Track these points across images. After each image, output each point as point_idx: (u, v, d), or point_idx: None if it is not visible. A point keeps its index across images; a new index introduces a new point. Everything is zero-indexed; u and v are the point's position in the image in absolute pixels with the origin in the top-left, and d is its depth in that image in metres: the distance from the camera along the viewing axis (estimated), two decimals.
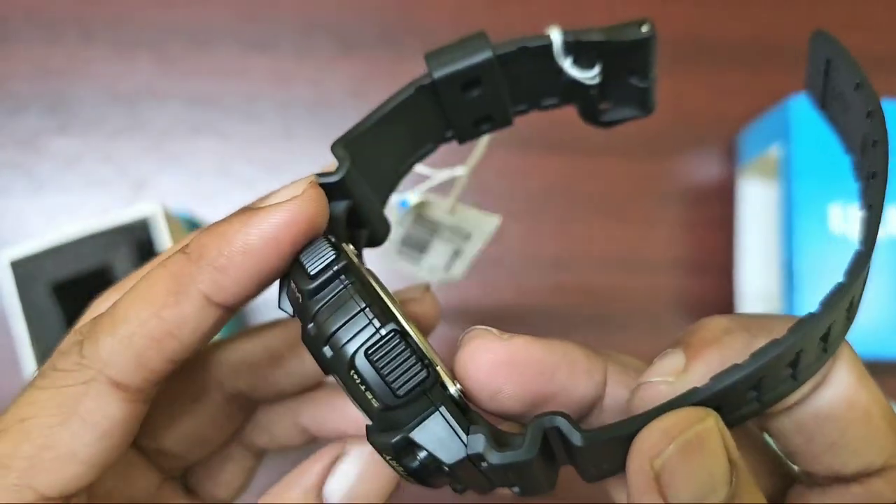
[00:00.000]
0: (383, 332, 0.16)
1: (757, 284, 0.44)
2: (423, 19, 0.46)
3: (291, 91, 0.45)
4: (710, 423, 0.15)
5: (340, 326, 0.16)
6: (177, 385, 0.22)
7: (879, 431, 0.17)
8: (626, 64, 0.21)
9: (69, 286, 0.36)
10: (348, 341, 0.16)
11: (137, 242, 0.36)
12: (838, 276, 0.43)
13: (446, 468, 0.16)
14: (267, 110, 0.45)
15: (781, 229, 0.41)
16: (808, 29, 0.49)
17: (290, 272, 0.18)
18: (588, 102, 0.23)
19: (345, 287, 0.17)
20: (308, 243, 0.18)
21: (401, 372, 0.16)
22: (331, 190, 0.18)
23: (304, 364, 0.23)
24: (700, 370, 0.17)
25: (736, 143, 0.46)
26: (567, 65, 0.21)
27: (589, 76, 0.21)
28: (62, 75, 0.44)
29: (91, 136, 0.44)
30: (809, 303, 0.39)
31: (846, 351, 0.18)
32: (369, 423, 0.17)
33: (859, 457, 0.17)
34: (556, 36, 0.21)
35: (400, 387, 0.16)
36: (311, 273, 0.17)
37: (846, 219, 0.39)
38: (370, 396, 0.16)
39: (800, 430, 0.18)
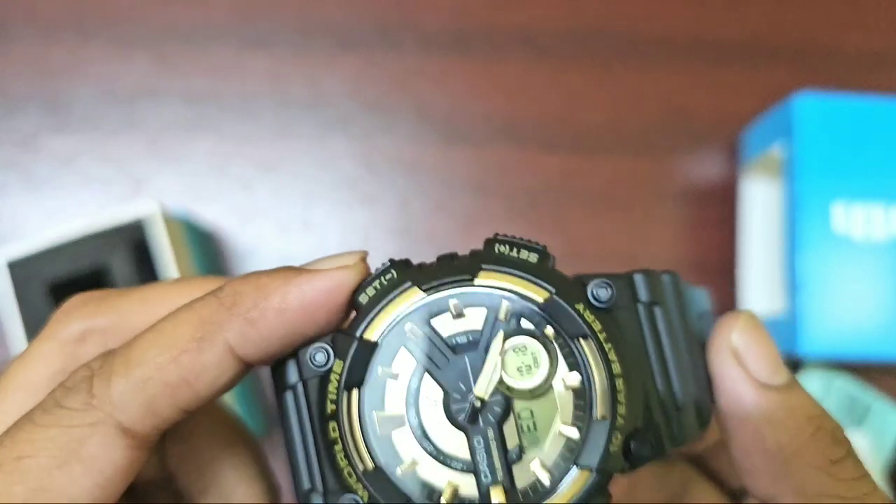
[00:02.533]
0: None
1: (760, 284, 0.44)
2: (421, 17, 0.46)
3: (289, 90, 0.45)
4: (752, 314, 0.20)
5: None
6: None
7: None
8: None
9: (66, 286, 0.36)
10: None
11: (135, 242, 0.36)
12: (841, 276, 0.43)
13: None
14: (265, 109, 0.45)
15: (784, 228, 0.40)
16: (810, 26, 0.49)
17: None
18: None
19: None
20: None
21: None
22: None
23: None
24: None
25: (738, 142, 0.46)
26: None
27: None
28: (59, 74, 0.44)
29: (88, 135, 0.43)
30: (812, 302, 0.38)
31: None
32: None
33: None
34: None
35: None
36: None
37: (850, 218, 0.39)
38: None
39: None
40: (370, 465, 0.17)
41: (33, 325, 0.35)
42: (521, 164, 0.45)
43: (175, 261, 0.35)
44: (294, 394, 0.18)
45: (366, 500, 0.17)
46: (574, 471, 0.17)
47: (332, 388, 0.17)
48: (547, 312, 0.18)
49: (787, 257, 0.40)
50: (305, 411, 0.18)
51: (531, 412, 0.18)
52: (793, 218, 0.39)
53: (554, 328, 0.18)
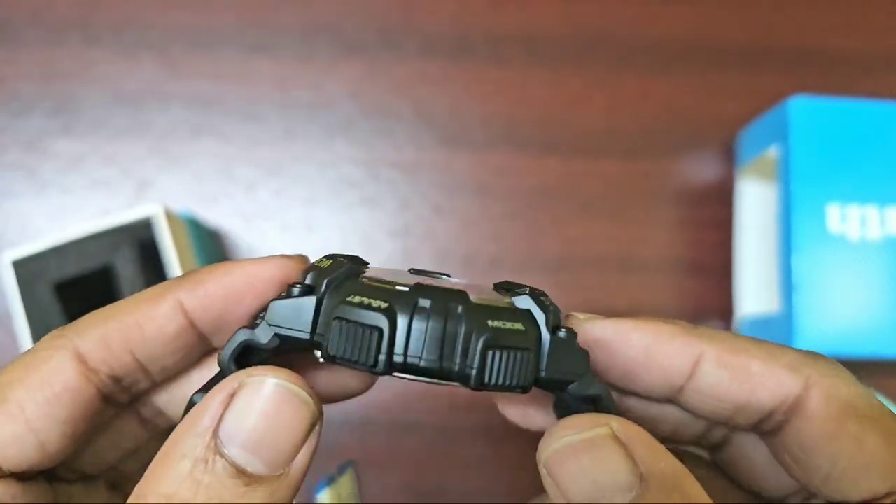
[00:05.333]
0: None
1: (755, 284, 0.44)
2: (423, 22, 0.46)
3: (293, 93, 0.45)
4: (603, 430, 0.17)
5: None
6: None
7: (876, 458, 0.18)
8: None
9: (71, 286, 0.36)
10: None
11: (140, 242, 0.36)
12: (836, 276, 0.43)
13: None
14: (268, 112, 0.45)
15: (780, 230, 0.41)
16: (806, 30, 0.49)
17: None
18: None
19: None
20: None
21: None
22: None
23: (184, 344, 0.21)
24: None
25: (734, 144, 0.46)
26: None
27: None
28: (66, 77, 0.44)
29: (94, 137, 0.44)
30: (807, 302, 0.39)
31: (819, 384, 0.18)
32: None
33: (858, 486, 0.18)
34: None
35: None
36: None
37: (844, 219, 0.40)
38: None
39: (795, 461, 0.19)
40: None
41: (39, 325, 0.36)
42: (520, 166, 0.46)
43: (179, 260, 0.36)
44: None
45: (326, 265, 0.18)
46: (508, 298, 0.18)
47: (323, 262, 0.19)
48: (501, 286, 0.21)
49: (782, 258, 0.40)
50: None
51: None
52: (788, 219, 0.40)
53: (504, 289, 0.20)
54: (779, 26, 0.48)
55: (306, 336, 0.17)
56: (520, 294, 0.18)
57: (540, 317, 0.18)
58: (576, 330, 0.19)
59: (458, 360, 0.16)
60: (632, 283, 0.45)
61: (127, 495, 0.22)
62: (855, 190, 0.40)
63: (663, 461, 0.16)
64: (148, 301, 0.20)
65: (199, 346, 0.21)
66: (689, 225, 0.46)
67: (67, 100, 0.44)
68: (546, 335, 0.18)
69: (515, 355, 0.17)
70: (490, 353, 0.16)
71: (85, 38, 0.45)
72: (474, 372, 0.16)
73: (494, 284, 0.21)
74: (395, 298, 0.17)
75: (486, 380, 0.16)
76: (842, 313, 0.39)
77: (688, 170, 0.46)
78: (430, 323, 0.16)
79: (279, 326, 0.17)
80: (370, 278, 0.18)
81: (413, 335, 0.16)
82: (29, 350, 0.19)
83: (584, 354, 0.18)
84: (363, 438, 0.42)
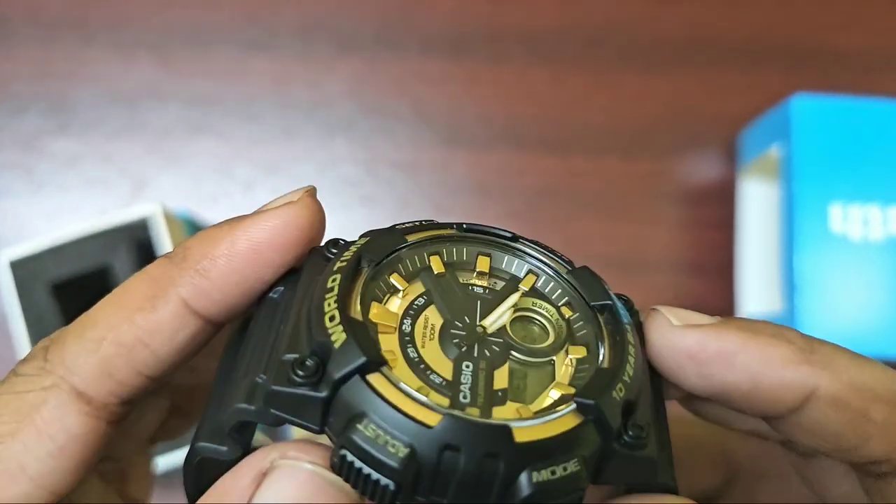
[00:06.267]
0: None
1: (757, 284, 0.44)
2: (421, 20, 0.46)
3: (290, 92, 0.45)
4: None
5: None
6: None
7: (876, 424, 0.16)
8: None
9: (69, 286, 0.36)
10: None
11: (137, 242, 0.36)
12: (838, 276, 0.43)
13: None
14: (266, 111, 0.45)
15: (782, 229, 0.41)
16: (807, 29, 0.49)
17: None
18: None
19: None
20: None
21: None
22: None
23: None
24: None
25: (736, 143, 0.46)
26: None
27: None
28: (63, 76, 0.44)
29: (91, 137, 0.44)
30: (809, 302, 0.39)
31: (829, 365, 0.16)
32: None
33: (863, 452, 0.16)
34: None
35: None
36: None
37: (846, 219, 0.39)
38: None
39: (811, 436, 0.17)
40: (359, 315, 0.15)
41: (36, 325, 0.35)
42: (520, 165, 0.45)
43: None
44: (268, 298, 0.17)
45: (339, 343, 0.14)
46: (566, 409, 0.14)
47: (346, 254, 0.16)
48: (574, 277, 0.18)
49: (784, 257, 0.40)
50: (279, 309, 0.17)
51: (526, 374, 0.16)
52: (790, 218, 0.40)
53: (578, 294, 0.17)
54: (780, 25, 0.48)
55: (316, 428, 0.15)
56: (584, 397, 0.14)
57: (606, 427, 0.14)
58: (663, 347, 0.16)
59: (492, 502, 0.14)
60: (633, 282, 0.45)
61: (119, 491, 0.21)
62: (857, 189, 0.40)
63: None
64: (144, 310, 0.16)
65: (211, 332, 0.18)
66: (690, 224, 0.45)
67: (64, 99, 0.44)
68: (610, 447, 0.15)
69: None
70: None
71: (81, 37, 0.44)
72: None
73: (573, 271, 0.18)
74: (419, 439, 0.13)
75: None
76: (844, 313, 0.39)
77: (689, 169, 0.46)
78: (460, 473, 0.13)
79: (282, 414, 0.15)
80: (391, 379, 0.14)
81: (440, 479, 0.13)
82: (7, 389, 0.16)
83: (651, 464, 0.15)
84: None
